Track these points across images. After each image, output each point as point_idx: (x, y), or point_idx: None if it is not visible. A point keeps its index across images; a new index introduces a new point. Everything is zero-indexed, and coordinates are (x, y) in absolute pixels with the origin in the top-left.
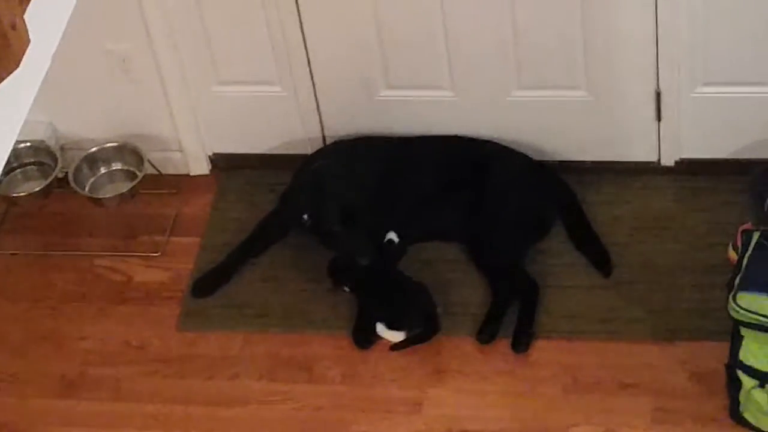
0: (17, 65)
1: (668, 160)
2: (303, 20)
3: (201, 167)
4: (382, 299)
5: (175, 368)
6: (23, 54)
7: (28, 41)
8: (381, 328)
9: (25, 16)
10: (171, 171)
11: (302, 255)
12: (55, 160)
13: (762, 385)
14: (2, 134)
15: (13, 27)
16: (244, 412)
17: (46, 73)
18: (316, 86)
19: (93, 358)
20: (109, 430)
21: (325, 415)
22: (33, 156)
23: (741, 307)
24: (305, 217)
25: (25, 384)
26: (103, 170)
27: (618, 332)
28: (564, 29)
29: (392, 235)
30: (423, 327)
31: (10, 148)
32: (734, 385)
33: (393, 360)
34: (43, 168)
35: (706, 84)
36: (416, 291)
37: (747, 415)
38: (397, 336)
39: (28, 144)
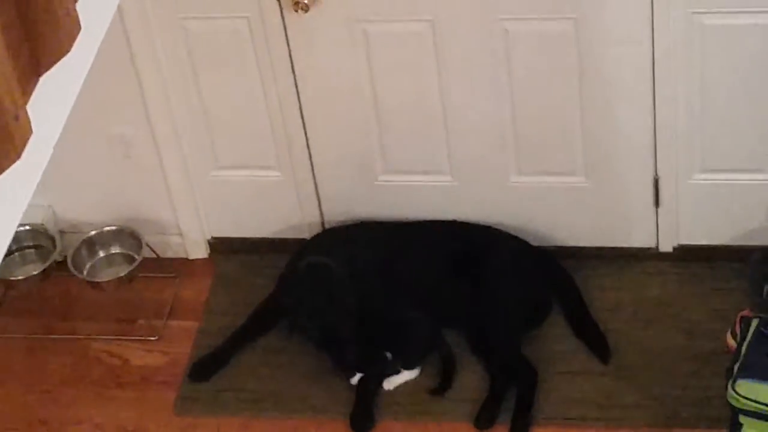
0: (19, 156)
1: (667, 246)
2: (303, 106)
3: (200, 251)
4: (386, 341)
5: None
6: (25, 146)
7: (31, 132)
8: (388, 382)
9: (28, 107)
10: (170, 255)
11: (299, 340)
12: (54, 243)
13: None
14: (2, 224)
15: (16, 118)
16: None
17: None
18: (315, 171)
19: None
20: None
21: None
22: (32, 239)
23: (740, 395)
24: (289, 326)
25: None
26: (101, 254)
27: (616, 419)
28: (563, 117)
29: (387, 354)
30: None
31: (11, 237)
32: None
33: None
34: (42, 251)
35: (704, 171)
36: (415, 322)
37: None
38: (409, 375)
39: (27, 227)
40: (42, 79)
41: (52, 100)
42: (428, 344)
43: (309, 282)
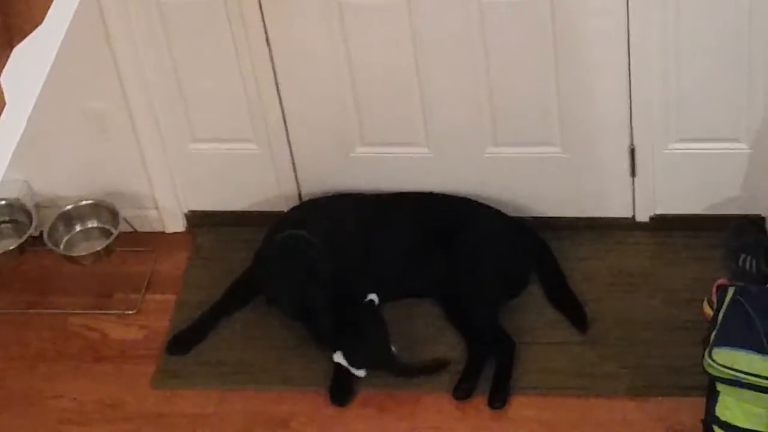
0: None
1: (643, 216)
2: (278, 78)
3: (176, 225)
4: (341, 331)
5: (150, 426)
6: None
7: (4, 103)
8: (338, 356)
9: (0, 78)
10: (146, 229)
11: (277, 313)
12: (30, 218)
13: None
14: None
15: None
16: None
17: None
18: (292, 144)
19: (68, 416)
20: None
21: None
22: (8, 214)
23: (717, 363)
24: (266, 299)
25: None
26: (78, 228)
27: (594, 388)
28: (538, 87)
29: (372, 296)
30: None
31: None
32: None
33: (369, 416)
34: (18, 226)
35: (680, 140)
36: (370, 331)
37: None
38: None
39: (3, 202)
40: (15, 51)
41: (25, 71)
42: (378, 357)
43: (285, 254)
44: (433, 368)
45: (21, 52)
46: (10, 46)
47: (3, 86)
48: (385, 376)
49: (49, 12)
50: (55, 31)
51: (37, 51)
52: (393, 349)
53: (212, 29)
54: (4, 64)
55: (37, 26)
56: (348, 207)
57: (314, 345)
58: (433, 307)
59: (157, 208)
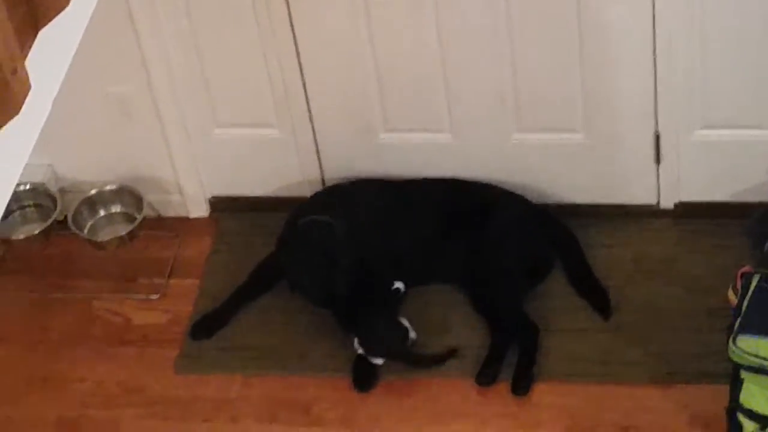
0: (18, 111)
1: (668, 203)
2: (302, 63)
3: (200, 210)
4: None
5: (173, 411)
6: (24, 100)
7: (29, 87)
8: (357, 344)
9: (27, 62)
10: (170, 214)
11: (300, 298)
12: (55, 202)
13: (763, 429)
14: (2, 180)
15: (14, 73)
16: None
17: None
18: (316, 129)
19: (91, 400)
20: None
21: None
22: (32, 198)
23: (741, 350)
24: (289, 285)
25: (22, 427)
26: (102, 213)
27: (618, 375)
28: (563, 73)
29: (399, 284)
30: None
31: (10, 193)
32: (735, 429)
33: (392, 402)
34: (43, 210)
35: (705, 127)
36: (385, 320)
37: None
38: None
39: (28, 186)
40: (40, 34)
41: (51, 55)
42: (392, 347)
43: (307, 239)
44: (445, 357)
45: (46, 36)
46: (36, 31)
47: (29, 70)
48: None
49: None
50: (80, 15)
51: (62, 35)
52: (413, 336)
53: (237, 14)
54: (30, 49)
55: (62, 11)
56: (371, 192)
57: (338, 329)
58: (457, 293)
59: (180, 193)
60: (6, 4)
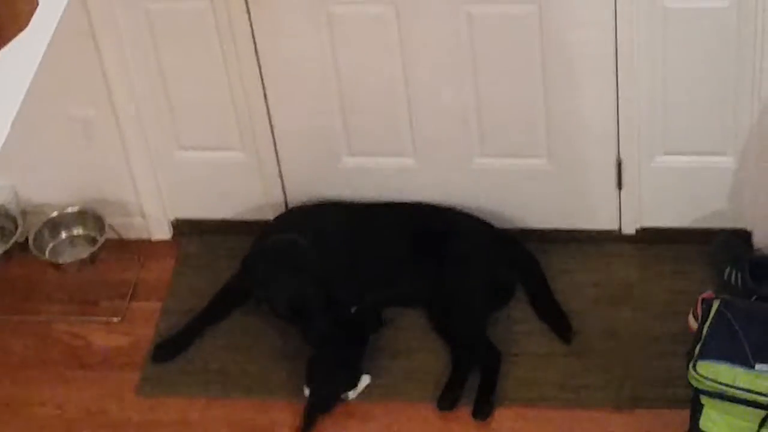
0: None
1: (629, 229)
2: (266, 87)
3: (162, 232)
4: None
5: None
6: None
7: None
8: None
9: None
10: (132, 236)
11: (263, 321)
12: (16, 224)
13: None
14: None
15: None
16: None
17: (7, 136)
18: (279, 153)
19: (52, 423)
20: None
21: None
22: None
23: (701, 375)
24: (256, 299)
25: None
26: (64, 235)
27: (579, 400)
28: (526, 99)
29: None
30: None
31: None
32: None
33: (353, 426)
34: (3, 232)
35: (667, 153)
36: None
37: None
38: (367, 379)
39: None
40: None
41: (9, 75)
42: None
43: (275, 255)
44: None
45: (5, 56)
46: None
47: None
48: (369, 386)
49: (34, 17)
50: (39, 36)
51: (21, 56)
52: (365, 383)
53: (200, 37)
54: None
55: (21, 31)
56: (334, 215)
57: (309, 344)
58: (419, 317)
59: (143, 215)
60: None
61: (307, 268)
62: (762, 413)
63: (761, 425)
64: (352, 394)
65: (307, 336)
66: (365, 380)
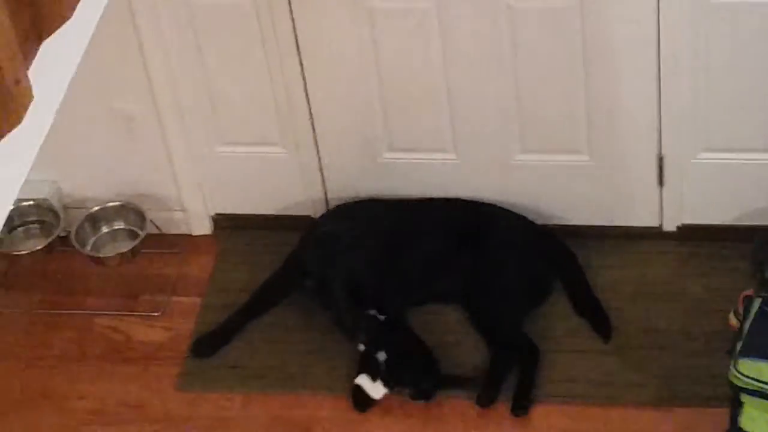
0: (20, 121)
1: (670, 226)
2: (307, 82)
3: (203, 227)
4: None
5: (174, 428)
6: (26, 110)
7: (32, 97)
8: (363, 379)
9: (30, 73)
10: (173, 231)
11: (303, 317)
12: (58, 218)
13: None
14: (3, 191)
15: (17, 83)
16: None
17: (50, 131)
18: (320, 148)
19: (91, 417)
20: None
21: None
22: (36, 214)
23: (742, 374)
24: (308, 280)
25: None
26: (105, 229)
27: (618, 397)
28: (567, 94)
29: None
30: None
31: (11, 205)
32: None
33: (392, 422)
34: (46, 226)
35: (709, 150)
36: (418, 352)
37: None
38: (377, 390)
39: (32, 202)
40: (43, 45)
41: (54, 66)
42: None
43: (329, 239)
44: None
45: (50, 47)
46: (39, 41)
47: (32, 81)
48: None
49: (78, 7)
50: (84, 26)
51: (65, 46)
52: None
53: (242, 31)
54: (33, 59)
55: (66, 21)
56: (375, 212)
57: (342, 333)
58: (459, 313)
59: (183, 210)
60: (9, 13)
61: (363, 248)
62: None
63: None
64: None
65: (353, 330)
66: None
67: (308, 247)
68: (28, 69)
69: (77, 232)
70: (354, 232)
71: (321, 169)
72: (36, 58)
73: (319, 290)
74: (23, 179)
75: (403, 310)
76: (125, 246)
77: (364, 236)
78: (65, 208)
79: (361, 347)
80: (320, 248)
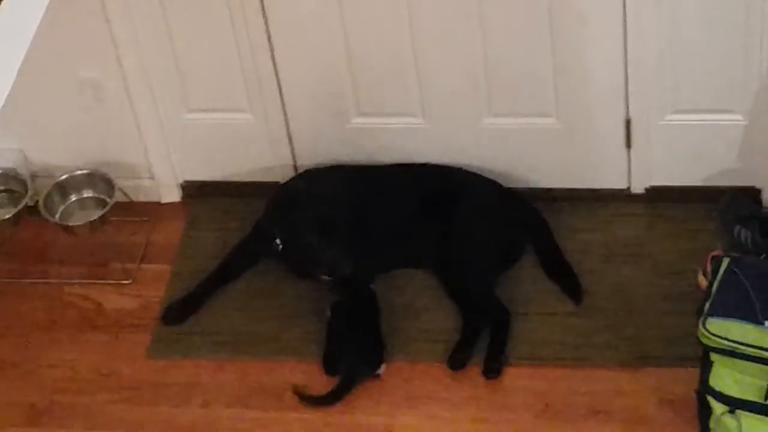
0: None
1: (638, 188)
2: (274, 47)
3: (172, 195)
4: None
5: (145, 396)
6: None
7: None
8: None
9: None
10: (142, 198)
11: (273, 283)
12: (26, 187)
13: (732, 411)
14: None
15: None
16: None
17: (16, 100)
18: (288, 114)
19: (63, 386)
20: None
21: None
22: (3, 183)
23: (711, 333)
24: (277, 241)
25: None
26: (73, 198)
27: (589, 359)
28: (535, 58)
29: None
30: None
31: None
32: (705, 412)
33: (364, 386)
34: (14, 195)
35: (676, 111)
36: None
37: None
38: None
39: None
40: (3, 4)
41: (14, 23)
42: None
43: (278, 203)
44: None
45: (7, 8)
46: None
47: None
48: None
49: None
50: None
51: (24, 6)
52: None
53: None
54: None
55: None
56: (343, 176)
57: (332, 266)
58: (429, 278)
59: (152, 177)
60: None
61: (333, 203)
62: None
63: None
64: (383, 368)
65: (337, 261)
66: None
67: (276, 209)
68: None
69: (45, 201)
70: (322, 191)
71: (289, 135)
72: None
73: (289, 248)
74: None
75: (372, 276)
76: (94, 214)
77: (334, 196)
78: (33, 177)
79: (328, 313)
80: (288, 206)
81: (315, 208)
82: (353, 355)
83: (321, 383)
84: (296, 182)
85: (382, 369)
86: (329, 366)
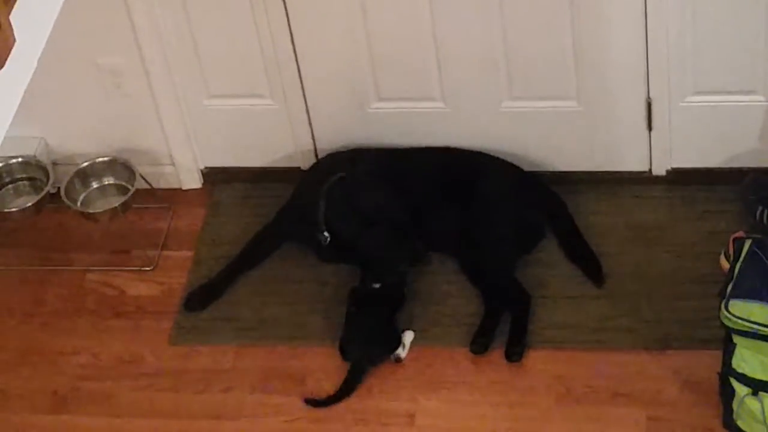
0: (2, 64)
1: (659, 170)
2: (294, 33)
3: (193, 181)
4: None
5: (168, 382)
6: (8, 53)
7: (14, 40)
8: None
9: (11, 17)
10: (163, 185)
11: (295, 268)
12: (47, 175)
13: (755, 393)
14: None
15: None
16: (237, 425)
17: (37, 87)
18: (308, 99)
19: (85, 372)
20: None
21: (319, 427)
22: (25, 171)
23: (733, 315)
24: (325, 234)
25: (16, 400)
26: (94, 185)
27: (610, 342)
28: (554, 40)
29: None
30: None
31: None
32: (727, 394)
33: (385, 372)
34: (35, 183)
35: (697, 93)
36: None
37: (741, 424)
38: (410, 336)
39: (20, 159)
40: None
41: (36, 9)
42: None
43: (319, 200)
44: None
45: None
46: None
47: (13, 24)
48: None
49: None
50: None
51: None
52: (402, 354)
53: None
54: (15, 2)
55: None
56: (364, 162)
57: (391, 258)
58: (450, 262)
59: (173, 164)
60: None
61: (376, 189)
62: None
63: None
64: (402, 353)
65: (396, 252)
66: (410, 336)
67: (315, 200)
68: (9, 13)
69: (67, 189)
70: (371, 183)
71: (309, 121)
72: (18, 1)
73: (338, 239)
74: (7, 125)
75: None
76: (115, 201)
77: (383, 189)
78: (54, 164)
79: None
80: (331, 200)
81: (357, 204)
82: (360, 342)
83: (343, 369)
84: (333, 168)
85: (405, 354)
86: (343, 351)
